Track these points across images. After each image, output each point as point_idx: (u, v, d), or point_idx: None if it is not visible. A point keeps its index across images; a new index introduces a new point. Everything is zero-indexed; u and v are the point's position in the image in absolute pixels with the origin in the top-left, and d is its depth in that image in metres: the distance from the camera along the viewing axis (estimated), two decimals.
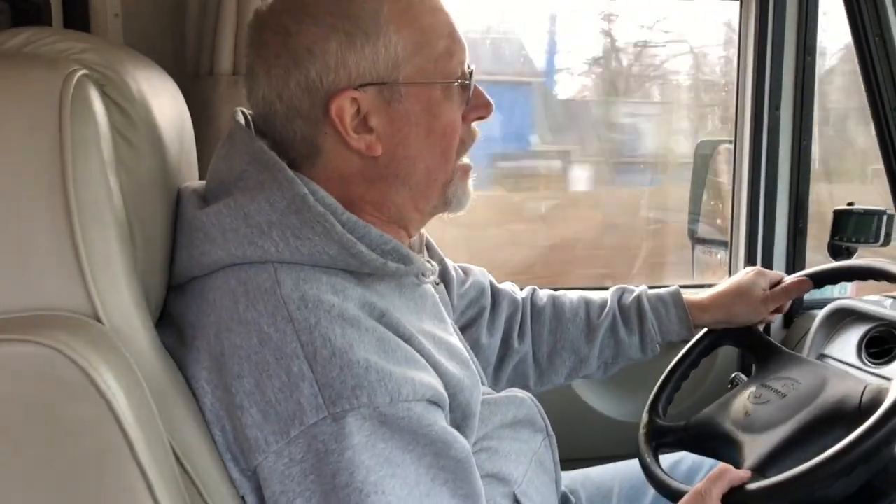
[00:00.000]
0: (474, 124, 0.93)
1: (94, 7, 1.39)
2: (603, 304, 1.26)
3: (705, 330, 1.28)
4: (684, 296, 1.25)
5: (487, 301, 1.23)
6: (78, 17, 1.38)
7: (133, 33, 1.42)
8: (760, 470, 0.98)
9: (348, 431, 0.73)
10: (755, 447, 1.01)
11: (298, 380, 0.74)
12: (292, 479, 0.73)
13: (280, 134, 0.88)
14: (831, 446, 0.92)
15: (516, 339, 1.24)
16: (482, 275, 1.25)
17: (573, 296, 1.28)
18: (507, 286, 1.28)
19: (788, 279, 1.27)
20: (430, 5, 0.88)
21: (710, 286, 1.36)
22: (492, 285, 1.26)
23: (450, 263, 1.19)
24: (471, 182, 0.95)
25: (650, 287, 1.30)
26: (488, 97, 0.93)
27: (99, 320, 0.72)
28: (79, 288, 0.71)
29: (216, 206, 0.83)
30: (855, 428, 0.93)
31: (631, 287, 1.28)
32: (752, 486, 0.94)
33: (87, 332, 0.69)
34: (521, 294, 1.28)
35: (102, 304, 0.72)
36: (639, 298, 1.25)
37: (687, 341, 1.28)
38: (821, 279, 1.27)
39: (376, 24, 0.84)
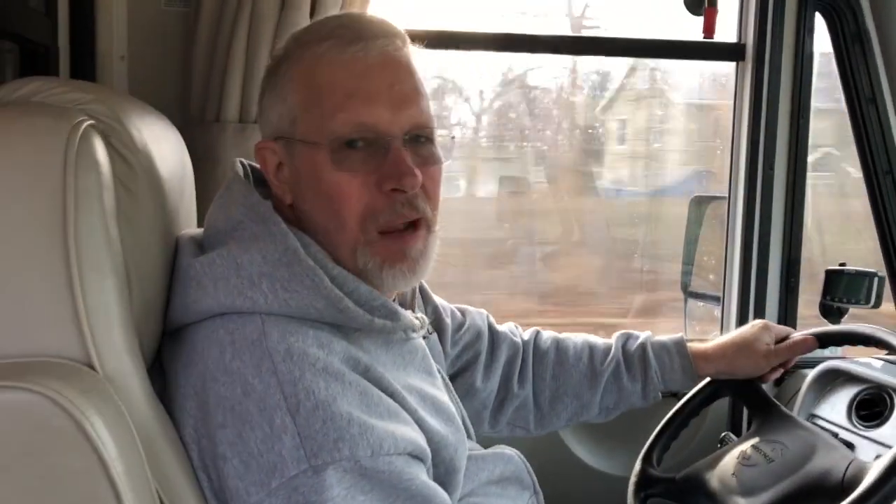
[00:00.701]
0: (398, 194, 0.85)
1: (100, 49, 1.42)
2: (607, 350, 1.25)
3: (707, 379, 1.28)
4: (689, 345, 1.25)
5: (484, 345, 1.22)
6: (84, 59, 1.40)
7: (138, 76, 1.45)
8: None
9: (328, 484, 0.73)
10: None
11: (281, 432, 0.74)
12: None
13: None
14: None
15: (516, 383, 1.23)
16: (480, 317, 1.25)
17: (577, 339, 1.27)
18: (508, 328, 1.27)
19: (795, 335, 1.27)
20: (336, 61, 0.85)
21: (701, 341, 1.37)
22: (491, 328, 1.25)
23: (446, 307, 1.19)
24: (395, 270, 0.86)
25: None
26: (409, 166, 0.84)
27: (93, 368, 0.72)
28: (74, 335, 0.71)
29: (210, 255, 0.85)
30: None
31: (635, 333, 1.28)
32: None
33: (81, 380, 0.69)
34: (523, 336, 1.27)
35: (97, 352, 0.72)
36: (643, 346, 1.25)
37: (688, 391, 1.29)
38: (827, 340, 1.28)
39: (283, 81, 0.89)
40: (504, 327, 1.27)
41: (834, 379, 1.44)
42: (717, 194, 1.92)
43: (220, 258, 0.83)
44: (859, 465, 1.01)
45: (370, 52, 0.84)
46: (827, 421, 1.39)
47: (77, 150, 0.73)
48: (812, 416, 1.43)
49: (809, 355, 1.62)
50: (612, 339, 1.28)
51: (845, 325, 1.32)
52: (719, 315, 1.81)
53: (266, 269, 0.82)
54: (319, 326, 0.82)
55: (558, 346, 1.26)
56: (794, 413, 1.43)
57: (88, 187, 0.73)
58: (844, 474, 1.00)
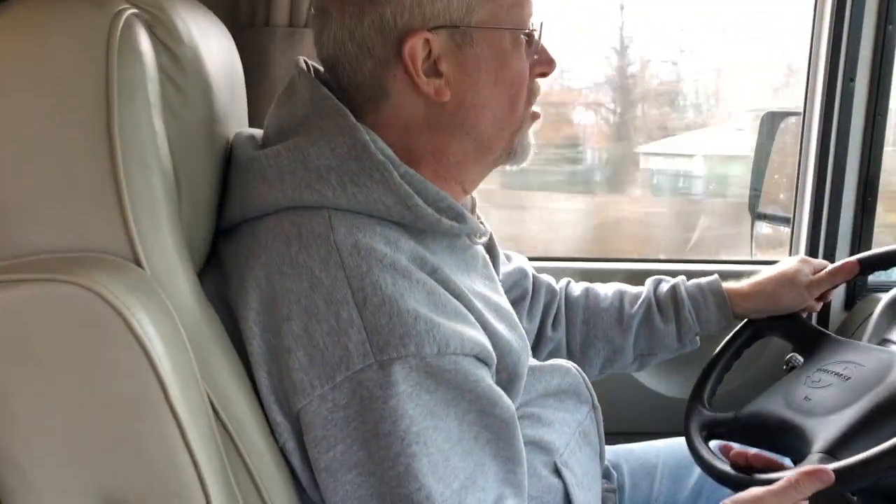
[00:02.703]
0: (538, 80, 0.92)
1: None
2: (638, 294, 1.23)
3: (746, 320, 1.23)
4: (724, 285, 1.22)
5: (530, 284, 1.21)
6: None
7: None
8: (831, 452, 0.93)
9: (394, 380, 0.72)
10: (823, 430, 0.96)
11: (347, 325, 0.73)
12: (335, 424, 0.73)
13: (348, 77, 0.87)
14: None
15: (550, 327, 1.22)
16: (523, 260, 1.24)
17: (608, 287, 1.26)
18: (544, 275, 1.26)
19: (832, 265, 1.22)
20: None
21: (773, 262, 1.31)
22: (531, 272, 1.24)
23: (496, 242, 1.17)
24: (532, 132, 0.93)
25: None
26: (552, 55, 0.91)
27: (139, 265, 0.71)
28: (120, 231, 0.70)
29: (275, 147, 0.83)
30: None
31: (668, 277, 1.25)
32: (829, 466, 0.87)
33: (127, 276, 0.68)
34: (557, 284, 1.27)
35: (143, 249, 0.71)
36: (675, 287, 1.22)
37: (729, 331, 1.24)
38: (869, 264, 1.21)
39: None
40: (541, 275, 1.26)
41: None
42: (792, 110, 1.82)
43: (287, 151, 0.81)
44: None
45: None
46: None
47: (119, 40, 0.70)
48: (885, 341, 1.37)
49: (885, 279, 1.56)
50: (645, 284, 1.25)
51: (890, 246, 1.23)
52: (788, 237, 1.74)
53: (334, 162, 0.80)
54: (386, 224, 0.80)
55: (588, 293, 1.25)
56: (866, 337, 1.37)
57: (132, 78, 0.70)
58: None
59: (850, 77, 1.57)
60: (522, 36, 0.87)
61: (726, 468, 1.00)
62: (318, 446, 0.74)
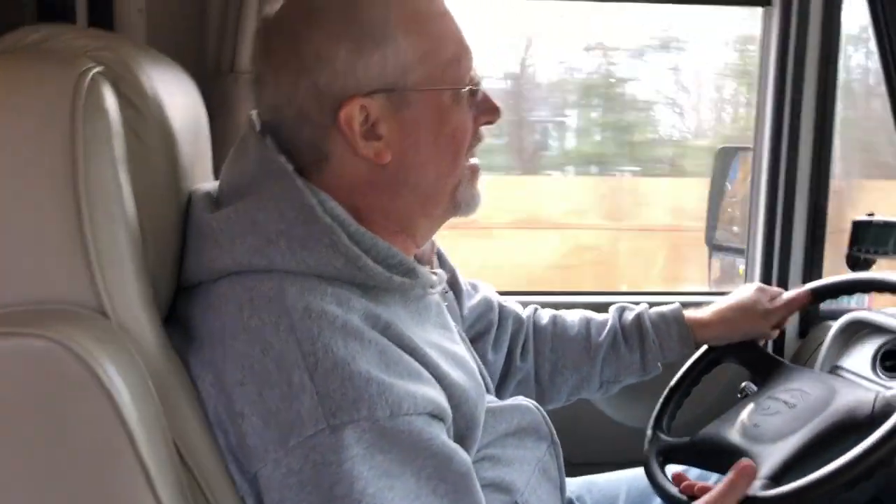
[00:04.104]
0: (482, 128, 0.93)
1: (118, 1, 1.40)
2: (604, 323, 1.25)
3: (706, 347, 1.27)
4: (686, 313, 1.24)
5: (495, 316, 1.22)
6: (102, 11, 1.39)
7: (156, 29, 1.42)
8: (775, 479, 0.96)
9: (346, 444, 0.73)
10: (767, 457, 0.99)
11: (299, 390, 0.74)
12: (290, 488, 0.74)
13: (288, 141, 0.87)
14: (845, 453, 0.91)
15: (518, 356, 1.23)
16: (489, 290, 1.25)
17: (574, 315, 1.27)
18: (511, 304, 1.27)
19: (787, 294, 1.26)
20: (437, 11, 0.87)
21: (728, 293, 1.35)
22: (498, 301, 1.25)
23: (459, 276, 1.18)
24: (479, 184, 0.94)
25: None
26: (495, 102, 0.92)
27: (105, 315, 0.72)
28: (86, 282, 0.71)
29: (225, 211, 0.83)
30: (868, 435, 0.92)
31: (632, 305, 1.28)
32: (769, 492, 0.93)
33: (93, 327, 0.70)
34: (524, 312, 1.28)
35: (109, 300, 0.73)
36: (639, 316, 1.24)
37: (686, 360, 1.27)
38: (822, 293, 1.26)
39: (385, 31, 0.83)
40: (508, 303, 1.27)
41: (859, 330, 1.42)
42: (743, 145, 1.89)
43: (236, 214, 0.82)
44: (887, 398, 0.99)
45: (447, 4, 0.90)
46: (850, 372, 1.37)
47: (85, 97, 0.72)
48: (835, 368, 1.41)
49: (835, 306, 1.61)
50: (609, 313, 1.27)
51: (842, 276, 1.28)
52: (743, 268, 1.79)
53: (283, 226, 0.80)
54: (338, 284, 0.81)
55: (555, 321, 1.26)
56: (818, 364, 1.42)
57: (97, 134, 0.73)
58: (874, 406, 0.99)
59: (796, 114, 1.63)
60: (463, 90, 0.88)
61: (681, 495, 1.03)
62: None
